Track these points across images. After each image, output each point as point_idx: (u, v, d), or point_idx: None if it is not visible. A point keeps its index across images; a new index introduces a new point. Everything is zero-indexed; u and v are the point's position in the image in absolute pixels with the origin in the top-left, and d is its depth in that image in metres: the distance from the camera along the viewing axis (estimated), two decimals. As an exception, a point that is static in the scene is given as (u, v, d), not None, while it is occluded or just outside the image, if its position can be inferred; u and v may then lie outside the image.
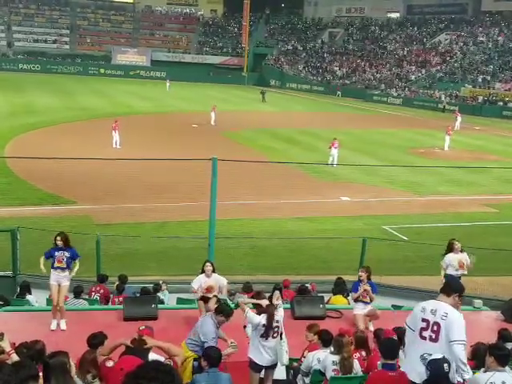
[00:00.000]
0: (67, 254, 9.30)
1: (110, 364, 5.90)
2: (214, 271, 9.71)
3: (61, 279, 9.36)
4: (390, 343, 6.21)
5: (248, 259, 15.93)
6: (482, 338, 7.27)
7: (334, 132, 32.50)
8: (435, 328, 5.33)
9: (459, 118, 43.87)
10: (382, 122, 49.63)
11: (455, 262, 10.22)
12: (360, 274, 10.00)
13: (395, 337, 6.90)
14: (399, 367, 5.98)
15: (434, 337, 5.33)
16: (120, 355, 5.95)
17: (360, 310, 9.83)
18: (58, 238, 9.35)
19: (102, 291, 11.82)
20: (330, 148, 28.64)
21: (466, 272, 10.30)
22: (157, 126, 39.35)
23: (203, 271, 9.68)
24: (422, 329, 5.38)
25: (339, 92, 71.32)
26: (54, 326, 9.37)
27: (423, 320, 5.39)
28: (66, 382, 5.15)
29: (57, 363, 5.16)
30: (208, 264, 9.75)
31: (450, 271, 10.27)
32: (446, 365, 6.29)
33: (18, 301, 11.18)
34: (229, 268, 9.79)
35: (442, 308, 5.35)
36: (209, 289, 9.49)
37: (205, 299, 9.10)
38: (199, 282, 9.58)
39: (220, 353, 6.41)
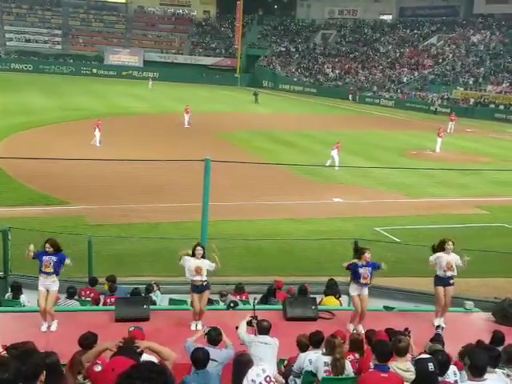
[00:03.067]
0: (54, 259, 9.09)
1: (98, 369, 5.82)
2: (203, 256, 9.61)
3: (48, 285, 9.20)
4: (383, 344, 6.23)
5: (241, 260, 15.92)
6: (472, 339, 7.30)
7: (327, 133, 32.53)
8: None
9: (450, 124, 43.73)
10: (375, 123, 49.77)
11: (444, 262, 10.11)
12: (366, 255, 9.78)
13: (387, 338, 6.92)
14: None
15: None
16: (111, 356, 5.91)
17: (356, 291, 9.85)
18: (47, 245, 9.10)
19: (92, 294, 11.77)
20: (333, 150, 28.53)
21: (454, 274, 10.21)
22: (150, 127, 39.28)
23: (193, 255, 9.55)
24: None
25: (356, 96, 68.39)
26: (44, 328, 9.28)
27: None
28: (57, 381, 5.13)
29: (49, 363, 5.13)
30: (199, 248, 9.62)
31: (438, 272, 10.22)
32: (431, 364, 6.34)
33: (9, 301, 11.12)
34: (221, 269, 9.77)
35: None
36: (197, 270, 9.45)
37: None
38: (188, 261, 9.48)
39: (208, 354, 6.39)
